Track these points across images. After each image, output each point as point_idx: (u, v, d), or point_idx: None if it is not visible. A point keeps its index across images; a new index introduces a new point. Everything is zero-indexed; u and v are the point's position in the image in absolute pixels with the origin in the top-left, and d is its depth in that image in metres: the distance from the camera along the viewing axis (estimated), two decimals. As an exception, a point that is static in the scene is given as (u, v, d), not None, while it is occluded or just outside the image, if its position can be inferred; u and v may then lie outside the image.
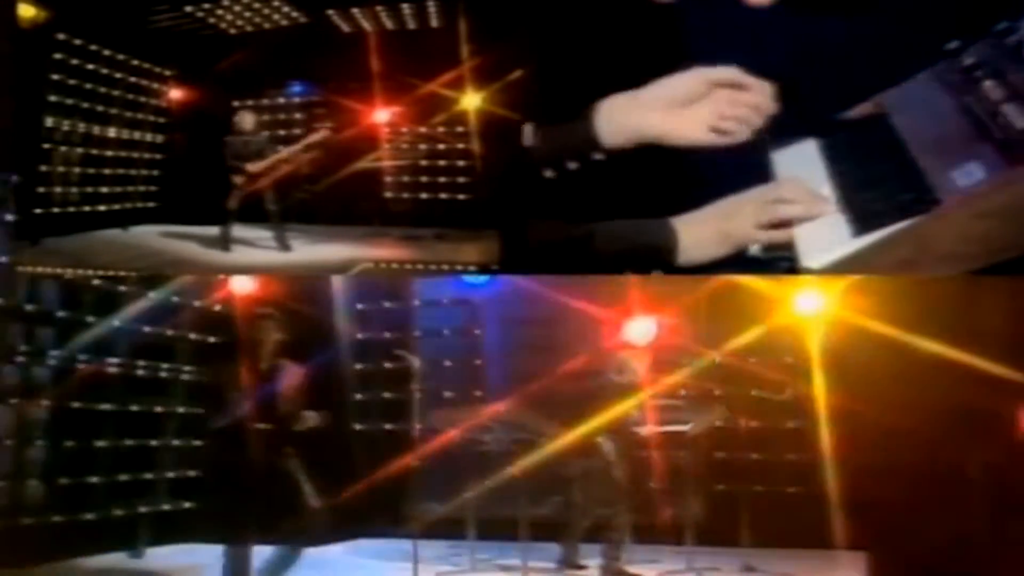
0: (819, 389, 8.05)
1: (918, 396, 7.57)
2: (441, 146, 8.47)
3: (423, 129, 8.40)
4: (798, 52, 4.40)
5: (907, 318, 7.32)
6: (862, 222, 3.84)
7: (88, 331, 7.88)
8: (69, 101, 7.96)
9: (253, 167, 8.12)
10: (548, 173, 4.28)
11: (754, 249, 4.11)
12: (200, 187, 8.53)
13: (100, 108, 8.23)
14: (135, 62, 8.46)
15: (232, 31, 8.65)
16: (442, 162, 8.52)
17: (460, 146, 8.31)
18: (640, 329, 7.88)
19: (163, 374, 8.71)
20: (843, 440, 8.02)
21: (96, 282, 8.01)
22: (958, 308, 7.27)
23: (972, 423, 7.49)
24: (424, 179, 8.60)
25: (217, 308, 8.83)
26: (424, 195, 8.61)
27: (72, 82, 7.96)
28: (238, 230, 8.22)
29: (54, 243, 7.79)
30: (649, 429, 7.27)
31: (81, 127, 8.06)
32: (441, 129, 8.33)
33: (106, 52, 8.22)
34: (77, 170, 8.05)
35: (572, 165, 4.24)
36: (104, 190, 8.32)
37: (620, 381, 7.25)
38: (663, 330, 7.90)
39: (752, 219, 4.05)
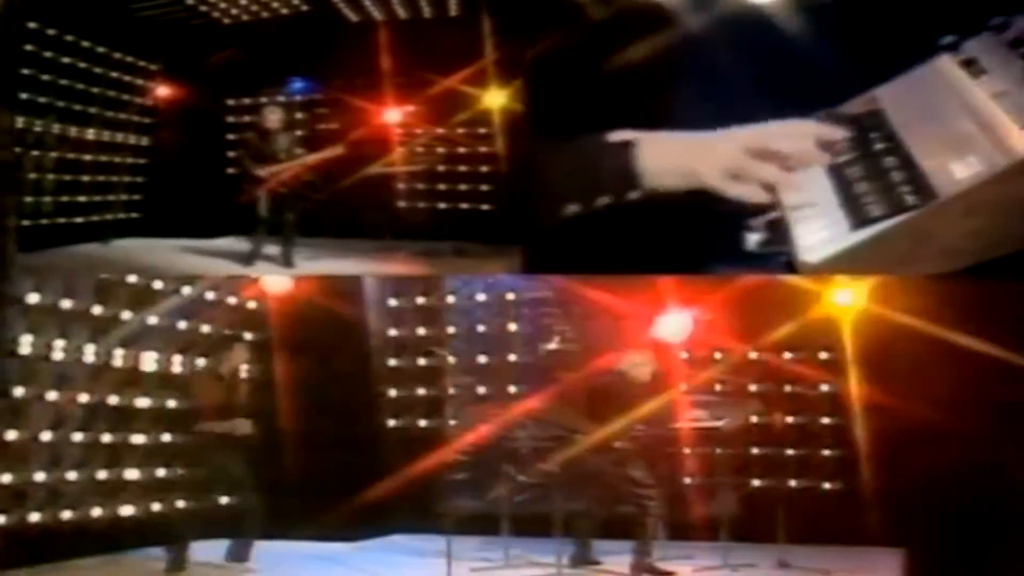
0: (855, 385, 8.28)
1: (956, 392, 7.66)
2: (461, 150, 8.32)
3: (441, 131, 8.22)
4: (794, 46, 4.49)
5: (946, 314, 7.42)
6: (859, 217, 3.99)
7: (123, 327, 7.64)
8: (42, 99, 7.62)
9: (264, 171, 7.47)
10: (572, 208, 4.20)
11: (751, 243, 4.16)
12: (190, 195, 8.31)
13: (77, 107, 7.96)
14: (117, 55, 8.30)
15: (226, 21, 8.59)
16: (462, 168, 8.39)
17: (482, 150, 8.14)
18: (674, 326, 7.98)
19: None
20: (879, 436, 8.21)
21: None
22: (997, 305, 7.19)
23: (1011, 419, 7.54)
24: (442, 187, 8.48)
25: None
26: (442, 205, 8.51)
27: (45, 77, 7.65)
28: (233, 243, 7.74)
29: (24, 259, 7.08)
30: (682, 425, 7.56)
31: (56, 128, 7.74)
32: (461, 131, 8.16)
33: (84, 44, 7.98)
34: (51, 177, 7.74)
35: (604, 201, 4.19)
36: (82, 199, 8.00)
37: (631, 376, 7.17)
38: (697, 327, 8.10)
39: (721, 164, 4.09)
